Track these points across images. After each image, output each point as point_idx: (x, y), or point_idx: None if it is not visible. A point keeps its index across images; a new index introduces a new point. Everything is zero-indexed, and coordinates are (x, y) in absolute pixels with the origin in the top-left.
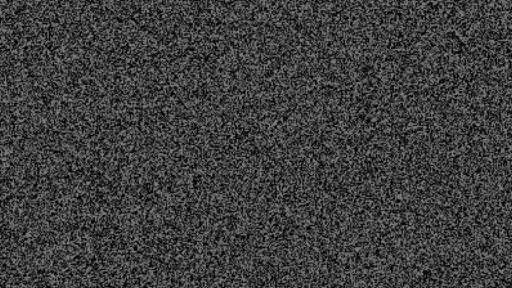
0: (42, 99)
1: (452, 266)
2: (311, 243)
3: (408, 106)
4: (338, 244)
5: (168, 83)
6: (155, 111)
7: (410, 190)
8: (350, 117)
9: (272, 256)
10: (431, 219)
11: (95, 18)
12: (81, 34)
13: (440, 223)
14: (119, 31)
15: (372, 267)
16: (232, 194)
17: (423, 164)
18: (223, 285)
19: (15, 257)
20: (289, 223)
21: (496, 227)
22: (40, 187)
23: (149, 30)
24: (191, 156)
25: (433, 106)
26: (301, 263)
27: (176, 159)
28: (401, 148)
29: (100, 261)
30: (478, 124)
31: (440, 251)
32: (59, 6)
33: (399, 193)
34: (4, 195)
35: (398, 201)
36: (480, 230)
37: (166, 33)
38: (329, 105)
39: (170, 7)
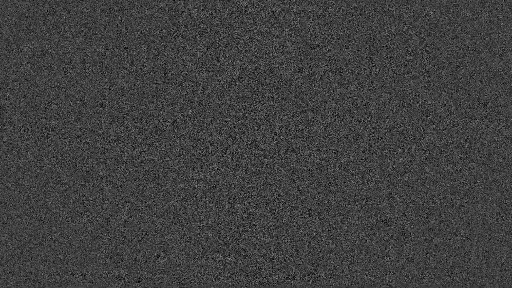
0: (37, 98)
1: None
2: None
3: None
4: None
5: (166, 83)
6: (152, 111)
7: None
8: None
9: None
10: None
11: (91, 15)
12: (78, 31)
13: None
14: (115, 28)
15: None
16: (230, 199)
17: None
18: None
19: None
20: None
21: None
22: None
23: (146, 28)
24: (188, 158)
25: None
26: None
27: (173, 159)
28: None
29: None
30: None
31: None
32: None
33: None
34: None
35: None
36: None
37: (164, 35)
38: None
39: (169, 4)
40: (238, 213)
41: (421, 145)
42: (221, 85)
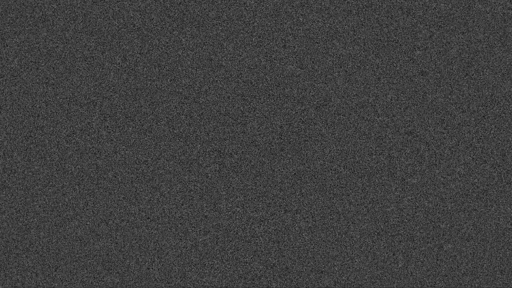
0: (24, 95)
1: None
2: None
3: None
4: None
5: (160, 79)
6: (146, 109)
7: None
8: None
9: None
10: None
11: (87, 17)
12: (73, 28)
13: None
14: (107, 21)
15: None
16: (228, 204)
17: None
18: None
19: None
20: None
21: None
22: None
23: (142, 27)
24: (184, 159)
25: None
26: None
27: (168, 160)
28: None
29: None
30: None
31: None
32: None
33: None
34: None
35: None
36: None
37: (158, 28)
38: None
39: (167, 4)
40: (237, 217)
41: (431, 145)
42: (219, 81)
